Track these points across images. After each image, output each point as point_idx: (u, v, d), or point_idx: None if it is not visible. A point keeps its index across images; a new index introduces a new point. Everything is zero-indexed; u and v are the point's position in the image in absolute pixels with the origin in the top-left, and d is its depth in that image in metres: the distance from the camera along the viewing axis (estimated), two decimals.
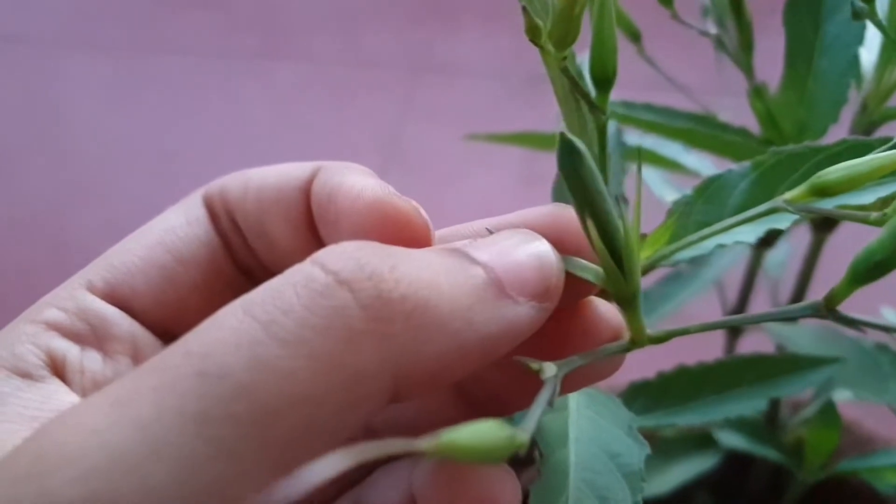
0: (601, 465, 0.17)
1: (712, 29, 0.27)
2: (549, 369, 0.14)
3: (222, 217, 0.18)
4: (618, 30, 0.18)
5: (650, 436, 0.35)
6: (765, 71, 0.27)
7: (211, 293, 0.18)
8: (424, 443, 0.12)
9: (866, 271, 0.14)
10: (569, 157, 0.13)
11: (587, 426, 0.18)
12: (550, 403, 0.14)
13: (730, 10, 0.25)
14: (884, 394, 0.22)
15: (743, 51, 0.25)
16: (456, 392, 0.17)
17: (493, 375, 0.17)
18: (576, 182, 0.14)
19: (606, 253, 0.14)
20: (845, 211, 0.16)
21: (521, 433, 0.13)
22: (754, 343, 0.34)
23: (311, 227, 0.18)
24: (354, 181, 0.16)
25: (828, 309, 0.14)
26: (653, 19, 0.29)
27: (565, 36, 0.17)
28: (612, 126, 0.25)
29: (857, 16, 0.20)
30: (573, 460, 0.17)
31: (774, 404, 0.35)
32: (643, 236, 0.18)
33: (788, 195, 0.16)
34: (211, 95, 1.00)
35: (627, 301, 0.15)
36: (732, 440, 0.33)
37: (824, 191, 0.15)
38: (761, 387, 0.21)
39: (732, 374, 0.21)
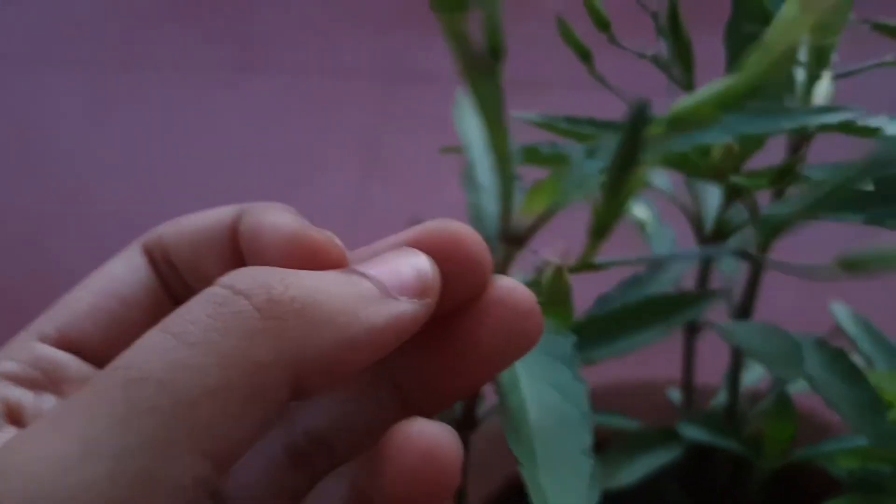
0: (552, 398, 0.19)
1: (662, 48, 0.29)
2: None
3: (160, 262, 0.21)
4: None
5: (614, 433, 0.37)
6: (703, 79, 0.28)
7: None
8: None
9: (600, 232, 0.18)
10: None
11: (536, 368, 0.20)
12: None
13: (668, 30, 0.27)
14: (797, 372, 0.25)
15: (683, 69, 0.27)
16: (394, 391, 0.19)
17: (428, 369, 0.19)
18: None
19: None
20: None
21: None
22: (710, 340, 0.36)
23: (240, 263, 0.20)
24: (274, 219, 0.19)
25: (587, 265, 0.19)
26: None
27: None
28: None
29: (753, 37, 0.22)
30: (527, 397, 0.19)
31: (733, 398, 0.37)
32: None
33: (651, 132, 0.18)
34: (188, 109, 1.01)
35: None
36: (694, 433, 0.35)
37: (679, 123, 0.18)
38: (659, 322, 0.24)
39: (635, 314, 0.24)
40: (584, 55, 0.28)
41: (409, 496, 0.16)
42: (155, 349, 0.15)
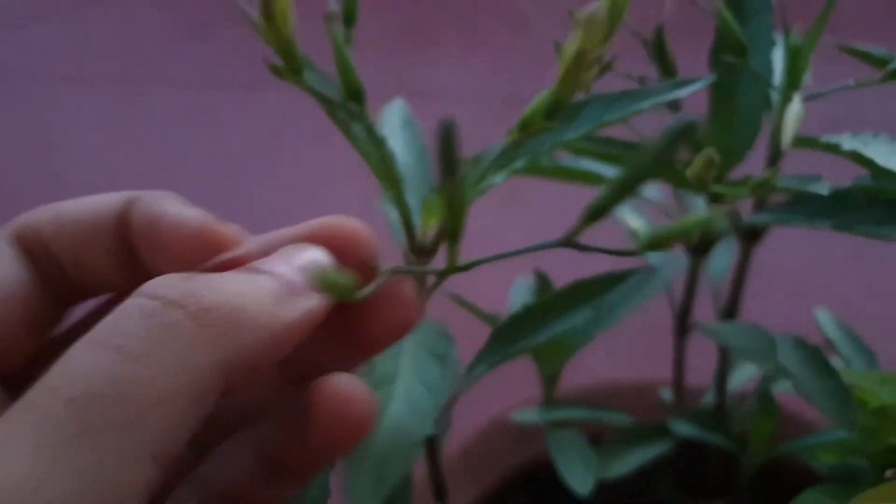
0: (418, 393, 0.21)
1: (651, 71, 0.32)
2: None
3: (37, 253, 0.20)
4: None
5: (609, 428, 0.40)
6: (689, 103, 0.31)
7: (38, 325, 0.20)
8: None
9: (595, 213, 0.20)
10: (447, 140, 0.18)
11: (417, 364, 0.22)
12: None
13: (656, 56, 0.30)
14: (772, 363, 0.27)
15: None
16: (285, 374, 0.21)
17: (318, 349, 0.20)
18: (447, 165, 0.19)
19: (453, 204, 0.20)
20: None
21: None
22: (698, 341, 0.38)
23: (129, 254, 0.20)
24: (176, 210, 0.19)
25: (569, 241, 0.21)
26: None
27: (292, 62, 0.23)
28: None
29: (738, 67, 0.25)
30: (398, 389, 0.22)
31: (721, 397, 0.40)
32: None
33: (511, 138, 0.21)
34: (201, 125, 1.04)
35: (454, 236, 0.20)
36: (684, 429, 0.38)
37: (528, 125, 0.21)
38: (586, 303, 0.27)
39: (566, 298, 0.27)
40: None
41: (329, 442, 0.18)
42: (95, 365, 0.15)
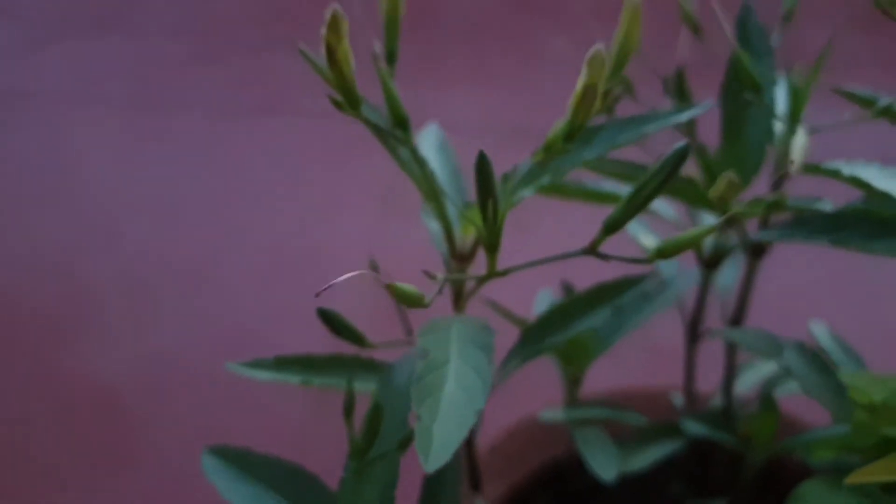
0: (469, 376, 0.25)
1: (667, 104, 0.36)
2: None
3: None
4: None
5: (626, 429, 0.43)
6: (702, 132, 0.35)
7: None
8: None
9: (612, 226, 0.23)
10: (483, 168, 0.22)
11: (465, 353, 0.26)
12: None
13: (675, 90, 0.34)
14: (778, 357, 0.31)
15: (686, 122, 0.33)
16: None
17: None
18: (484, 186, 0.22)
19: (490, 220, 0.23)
20: None
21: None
22: (707, 355, 0.42)
23: None
24: None
25: (591, 250, 0.24)
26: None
27: (352, 99, 0.27)
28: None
29: (747, 101, 0.29)
30: (450, 373, 0.25)
31: (727, 401, 0.43)
32: None
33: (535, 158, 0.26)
34: (213, 149, 1.08)
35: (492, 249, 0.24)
36: (694, 428, 0.41)
37: (550, 148, 0.25)
38: (606, 303, 0.31)
39: (588, 300, 0.31)
40: (608, 110, 0.35)
41: None
42: None
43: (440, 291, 0.23)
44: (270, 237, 0.93)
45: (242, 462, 0.32)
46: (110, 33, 1.31)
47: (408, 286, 0.22)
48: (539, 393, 0.46)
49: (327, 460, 0.32)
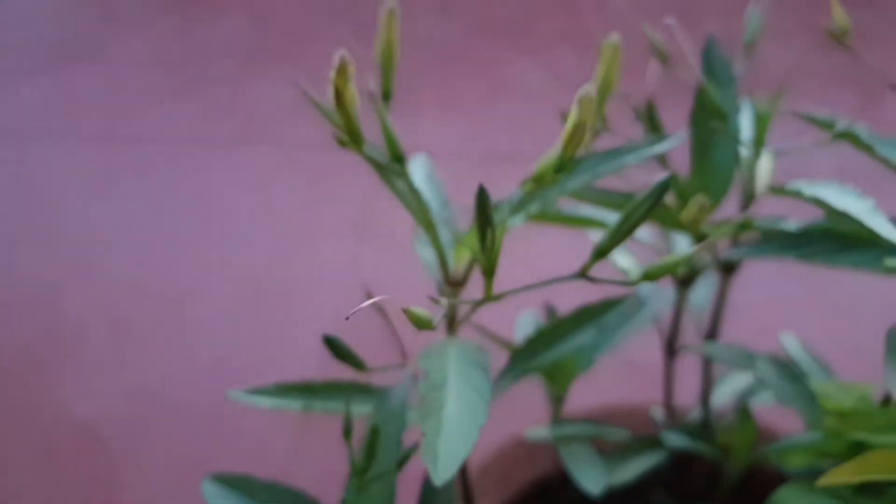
0: (469, 394, 0.26)
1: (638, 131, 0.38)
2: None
3: None
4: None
5: (609, 444, 0.45)
6: (673, 157, 0.38)
7: None
8: None
9: (601, 252, 0.25)
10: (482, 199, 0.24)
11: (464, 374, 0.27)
12: None
13: (646, 120, 0.36)
14: (750, 366, 0.33)
15: None
16: None
17: None
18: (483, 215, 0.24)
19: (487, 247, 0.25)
20: None
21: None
22: (687, 359, 0.44)
23: None
24: None
25: (582, 275, 0.26)
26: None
27: (356, 137, 0.29)
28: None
29: (714, 129, 0.31)
30: (450, 392, 0.26)
31: (705, 413, 0.45)
32: None
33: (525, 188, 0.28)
34: (188, 180, 1.08)
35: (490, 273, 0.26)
36: (675, 440, 0.43)
37: (539, 179, 0.27)
38: (591, 322, 0.33)
39: (574, 321, 0.32)
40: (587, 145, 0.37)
41: None
42: None
43: (445, 315, 0.25)
44: (248, 267, 0.94)
45: (243, 487, 0.33)
46: (82, 67, 1.31)
47: (420, 310, 0.23)
48: (525, 413, 0.48)
49: (313, 488, 0.33)
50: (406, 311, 0.23)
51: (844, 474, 0.34)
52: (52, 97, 1.25)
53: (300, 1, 1.41)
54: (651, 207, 0.24)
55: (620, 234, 0.25)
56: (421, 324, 0.23)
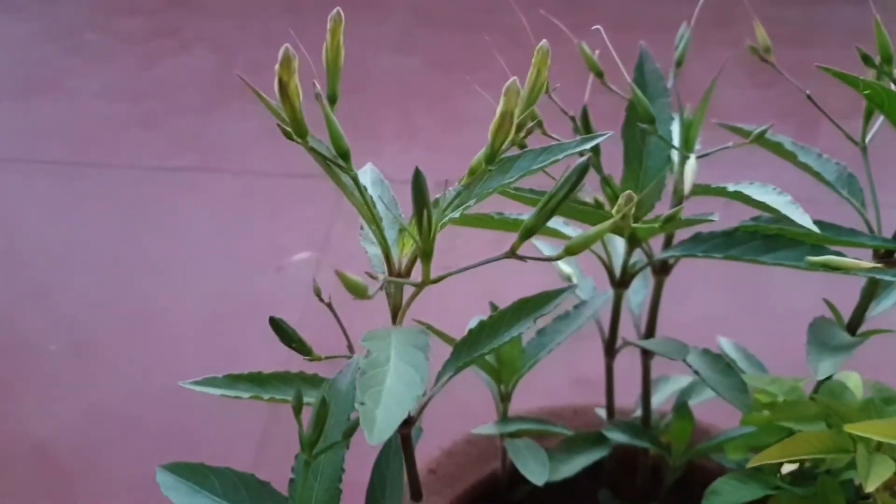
0: (407, 371, 0.28)
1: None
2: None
3: None
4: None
5: (553, 440, 0.46)
6: (607, 166, 0.40)
7: None
8: None
9: (527, 232, 0.27)
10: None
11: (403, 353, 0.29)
12: None
13: (582, 127, 0.39)
14: (685, 355, 0.35)
15: (593, 154, 0.38)
16: None
17: None
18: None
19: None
20: None
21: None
22: (629, 364, 0.46)
23: None
24: None
25: (512, 254, 0.28)
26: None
27: (299, 129, 0.30)
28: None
29: (644, 132, 0.33)
30: (391, 369, 0.28)
31: (646, 412, 0.47)
32: None
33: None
34: (152, 205, 1.09)
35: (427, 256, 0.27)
36: (617, 436, 0.45)
37: (474, 171, 0.29)
38: (527, 315, 0.35)
39: (513, 314, 0.34)
40: (521, 146, 0.39)
41: None
42: None
43: (381, 289, 0.26)
44: (210, 289, 0.94)
45: (196, 476, 0.34)
46: (47, 97, 1.32)
47: (355, 276, 0.25)
48: (472, 418, 0.49)
49: None
50: (339, 275, 0.25)
51: (772, 456, 0.36)
52: (15, 124, 1.25)
53: (263, 36, 1.44)
54: (573, 187, 0.26)
55: (545, 214, 0.27)
56: (355, 290, 0.25)
